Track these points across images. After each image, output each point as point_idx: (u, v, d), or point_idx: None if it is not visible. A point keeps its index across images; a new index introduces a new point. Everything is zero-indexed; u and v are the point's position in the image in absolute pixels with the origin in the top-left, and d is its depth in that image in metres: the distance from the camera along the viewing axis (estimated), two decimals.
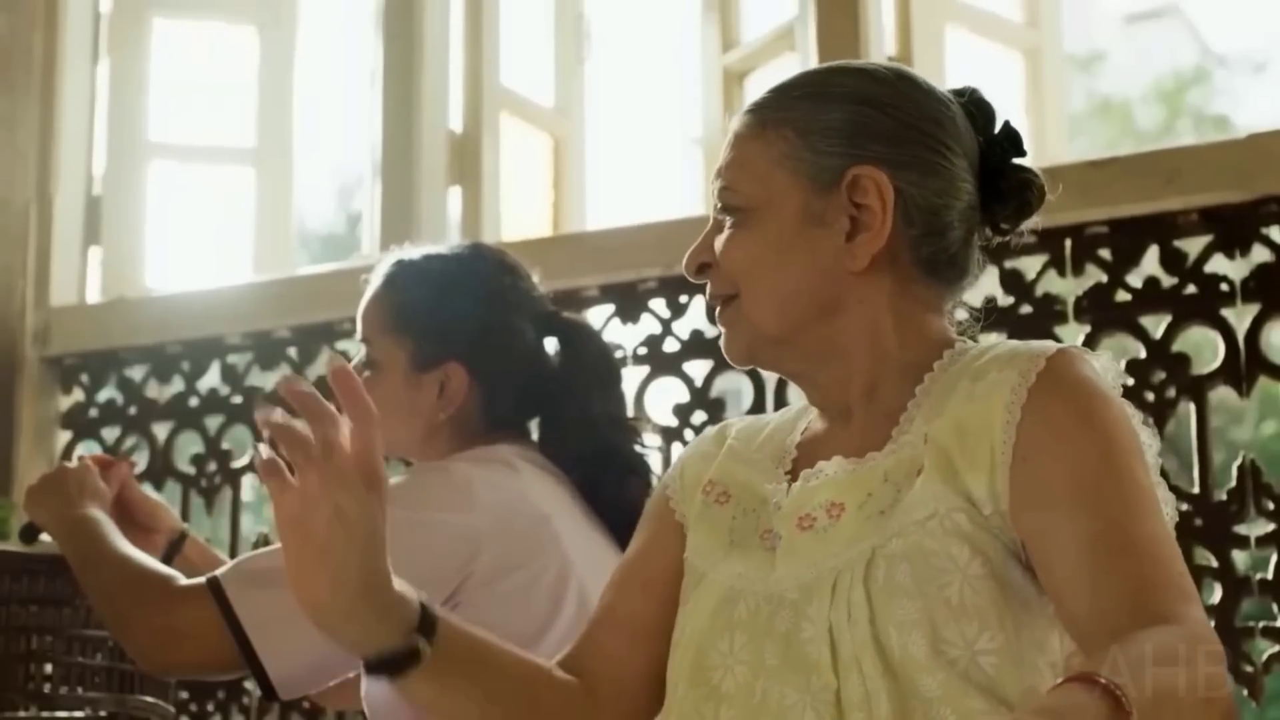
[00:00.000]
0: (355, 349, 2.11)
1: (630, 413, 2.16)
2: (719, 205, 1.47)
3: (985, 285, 2.71)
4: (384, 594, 1.29)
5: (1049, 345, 1.37)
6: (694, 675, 1.40)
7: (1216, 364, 2.55)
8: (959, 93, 1.50)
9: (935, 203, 1.43)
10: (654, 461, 2.09)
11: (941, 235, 1.44)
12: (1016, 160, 1.49)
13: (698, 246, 1.49)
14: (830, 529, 1.37)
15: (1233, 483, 2.49)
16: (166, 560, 2.10)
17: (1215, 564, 2.48)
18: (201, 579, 1.84)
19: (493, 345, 2.03)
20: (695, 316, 2.94)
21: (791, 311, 1.43)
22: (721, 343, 1.50)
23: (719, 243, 1.47)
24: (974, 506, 1.32)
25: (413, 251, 2.08)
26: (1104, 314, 2.63)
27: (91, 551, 1.94)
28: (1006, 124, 1.50)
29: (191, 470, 3.31)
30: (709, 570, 1.44)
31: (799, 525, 1.39)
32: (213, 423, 3.32)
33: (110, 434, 3.39)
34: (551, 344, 2.09)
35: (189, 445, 3.34)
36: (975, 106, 1.49)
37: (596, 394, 2.07)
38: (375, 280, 2.06)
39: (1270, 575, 2.44)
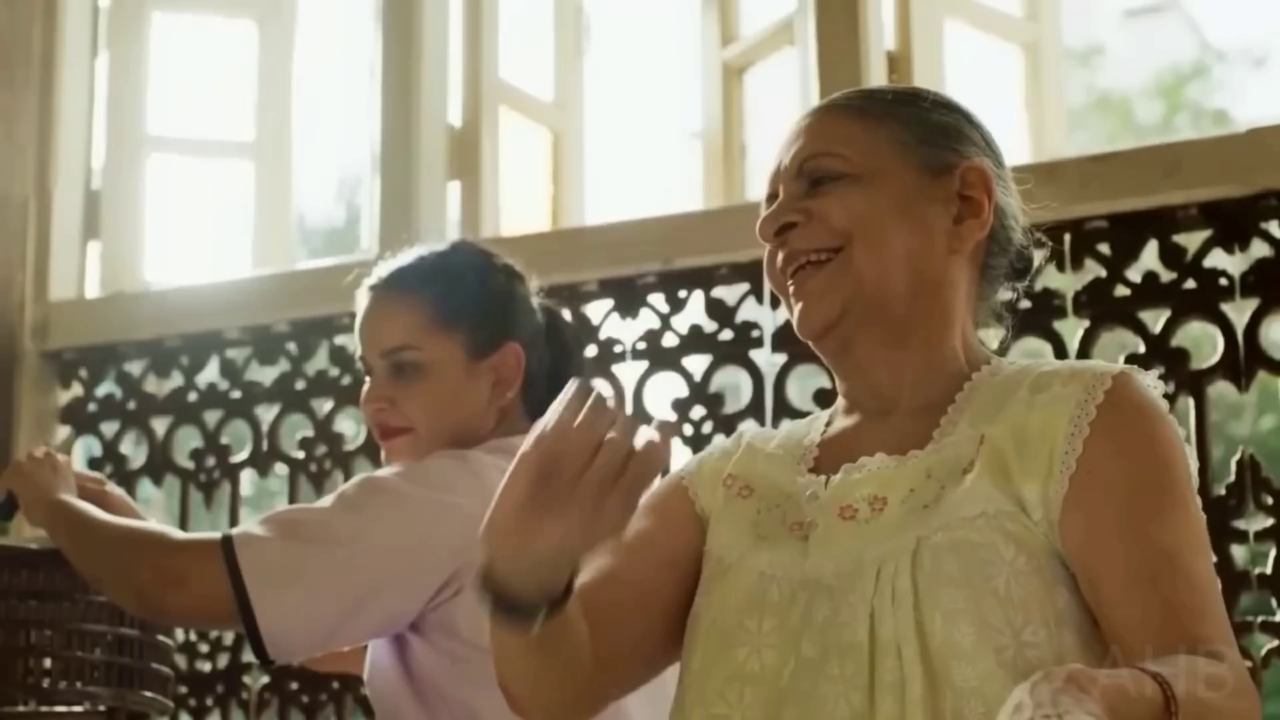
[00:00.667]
0: (352, 344, 2.11)
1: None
2: (810, 173, 1.46)
3: None
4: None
5: (1111, 365, 1.41)
6: (719, 654, 1.39)
7: (1215, 359, 2.55)
8: None
9: (1010, 215, 1.52)
10: None
11: (1004, 250, 1.52)
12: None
13: (782, 206, 1.46)
14: (872, 521, 1.38)
15: (1231, 477, 2.50)
16: None
17: (1214, 559, 2.47)
18: (215, 534, 1.90)
19: (524, 323, 2.08)
20: (694, 311, 2.94)
21: (898, 275, 1.43)
22: (801, 309, 1.45)
23: (816, 202, 1.45)
24: (1023, 511, 1.34)
25: (405, 257, 2.07)
26: (1103, 309, 2.63)
27: (87, 515, 1.98)
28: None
29: (190, 465, 3.31)
30: (735, 560, 1.44)
31: (840, 515, 1.40)
32: (211, 417, 3.32)
33: (109, 428, 3.39)
34: None
35: (188, 440, 3.34)
36: None
37: (579, 369, 2.14)
38: (388, 291, 2.04)
39: (1269, 570, 2.45)
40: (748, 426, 1.64)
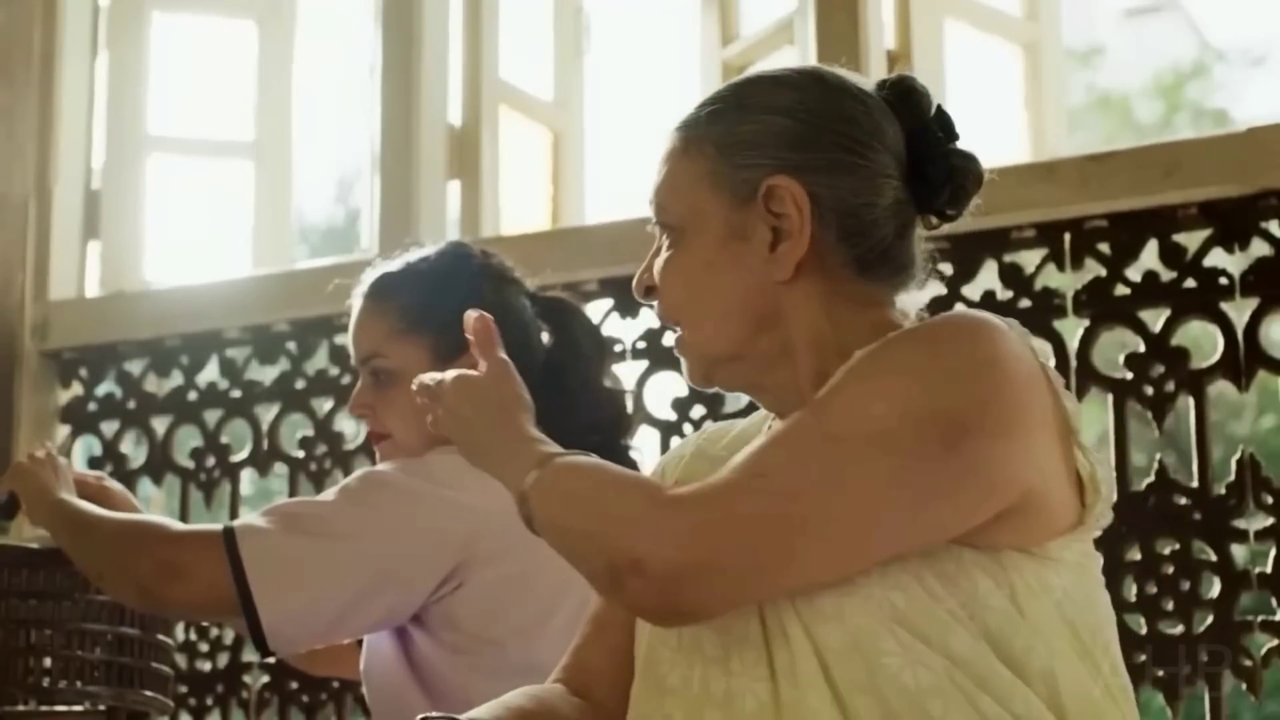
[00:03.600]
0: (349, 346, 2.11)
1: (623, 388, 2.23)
2: (658, 221, 1.49)
3: (984, 279, 2.72)
4: None
5: (946, 316, 1.38)
6: (646, 670, 1.42)
7: (1215, 358, 2.55)
8: (882, 84, 1.48)
9: (853, 203, 1.42)
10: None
11: (865, 234, 1.43)
12: (951, 146, 1.46)
13: (643, 270, 1.50)
14: None
15: (1231, 477, 2.50)
16: None
17: (1214, 558, 2.48)
18: (216, 526, 1.90)
19: (508, 322, 2.06)
20: None
21: (732, 329, 1.44)
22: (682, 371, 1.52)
23: (658, 265, 1.48)
24: None
25: (391, 264, 2.09)
26: (1103, 308, 2.63)
27: (87, 512, 1.99)
28: (939, 109, 1.47)
29: (190, 464, 3.31)
30: None
31: None
32: (211, 416, 3.32)
33: (109, 428, 3.39)
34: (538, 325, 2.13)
35: (188, 439, 3.34)
36: (898, 96, 1.46)
37: (595, 365, 2.12)
38: (365, 300, 2.08)
39: (1269, 569, 2.45)
40: (710, 425, 1.64)
